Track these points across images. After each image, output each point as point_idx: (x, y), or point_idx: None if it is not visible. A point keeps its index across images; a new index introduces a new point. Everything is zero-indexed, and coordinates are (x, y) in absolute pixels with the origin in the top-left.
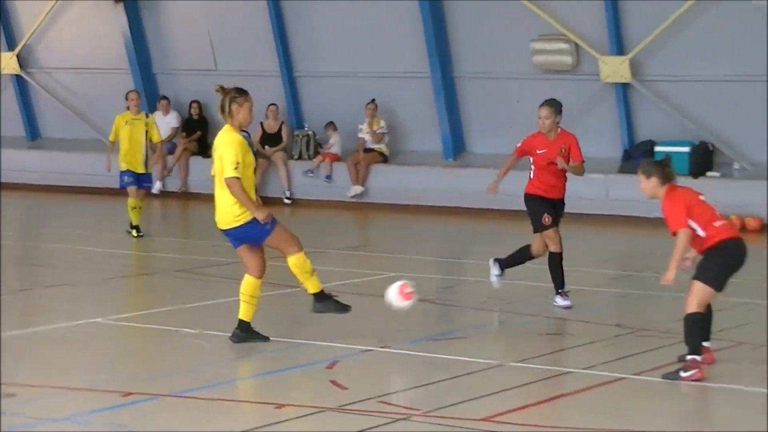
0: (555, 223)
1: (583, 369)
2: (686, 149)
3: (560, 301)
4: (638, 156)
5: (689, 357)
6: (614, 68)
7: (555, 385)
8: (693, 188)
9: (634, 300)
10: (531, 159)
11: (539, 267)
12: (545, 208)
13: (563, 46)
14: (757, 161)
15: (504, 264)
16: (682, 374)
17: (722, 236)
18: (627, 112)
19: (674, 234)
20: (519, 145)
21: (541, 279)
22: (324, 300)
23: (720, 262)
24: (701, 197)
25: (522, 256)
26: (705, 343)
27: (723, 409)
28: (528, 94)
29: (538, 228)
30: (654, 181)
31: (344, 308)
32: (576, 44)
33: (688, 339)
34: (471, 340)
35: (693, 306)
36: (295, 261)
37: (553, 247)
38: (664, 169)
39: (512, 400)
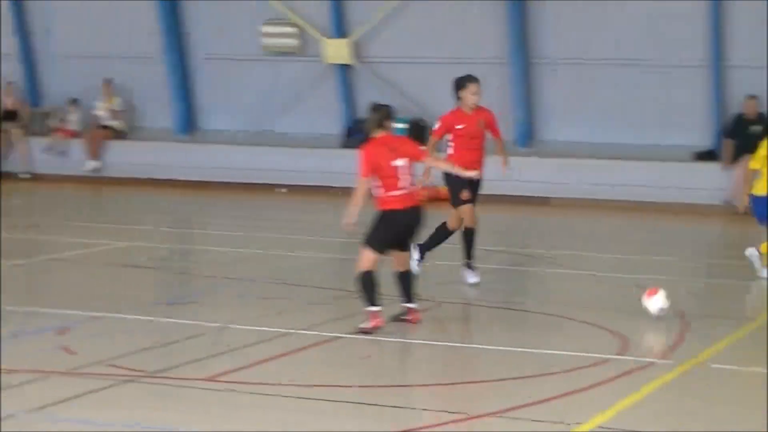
0: (472, 200)
1: (303, 330)
2: (404, 126)
3: (469, 277)
4: (359, 133)
5: (368, 309)
6: (336, 50)
7: (277, 344)
8: (393, 151)
9: (351, 265)
10: (449, 136)
11: (259, 236)
12: (464, 184)
13: (289, 29)
14: None
15: (424, 248)
16: (363, 326)
17: (394, 205)
18: (348, 92)
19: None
20: (438, 126)
21: (261, 246)
22: None
23: (384, 229)
24: (394, 162)
25: (440, 234)
26: (410, 305)
27: (424, 364)
28: (258, 75)
29: (456, 203)
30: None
31: None
32: (301, 27)
33: (362, 294)
34: (199, 305)
35: (361, 266)
36: None
37: (468, 223)
38: (368, 118)
39: (236, 360)
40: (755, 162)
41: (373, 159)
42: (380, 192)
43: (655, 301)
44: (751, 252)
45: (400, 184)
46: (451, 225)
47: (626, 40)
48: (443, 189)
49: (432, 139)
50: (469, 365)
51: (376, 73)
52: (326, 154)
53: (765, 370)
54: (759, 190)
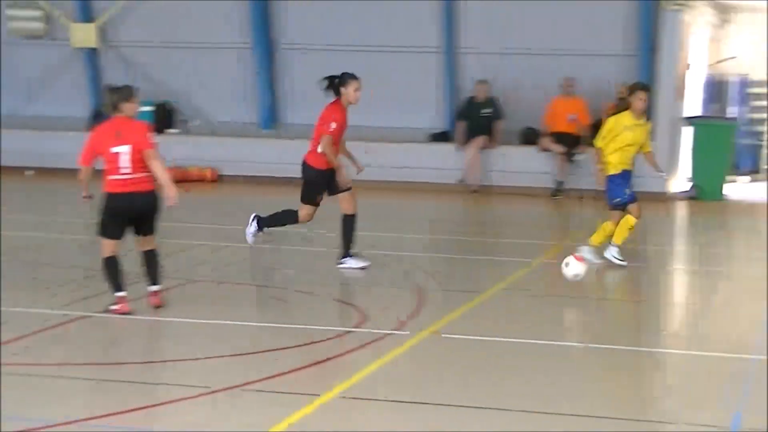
0: (318, 204)
1: (51, 309)
2: (150, 108)
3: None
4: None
5: (115, 294)
6: (83, 34)
7: (26, 325)
8: (118, 137)
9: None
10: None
11: (6, 218)
12: (321, 187)
13: (35, 12)
14: (214, 119)
15: (264, 223)
16: (112, 308)
17: (113, 189)
18: (95, 75)
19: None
20: (335, 126)
21: (8, 227)
22: None
23: (105, 213)
24: (115, 148)
25: (285, 218)
26: (152, 287)
27: (170, 340)
28: (5, 59)
29: (309, 201)
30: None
31: None
32: (47, 11)
33: (106, 280)
34: None
35: (102, 254)
36: None
37: (303, 220)
38: (104, 101)
39: None
40: (599, 140)
41: (95, 143)
42: (108, 176)
43: (576, 268)
44: (589, 255)
45: (122, 170)
46: (301, 218)
47: (365, 27)
48: (193, 170)
49: (331, 139)
50: (214, 340)
51: (123, 57)
52: (73, 137)
53: (490, 339)
54: (611, 168)
